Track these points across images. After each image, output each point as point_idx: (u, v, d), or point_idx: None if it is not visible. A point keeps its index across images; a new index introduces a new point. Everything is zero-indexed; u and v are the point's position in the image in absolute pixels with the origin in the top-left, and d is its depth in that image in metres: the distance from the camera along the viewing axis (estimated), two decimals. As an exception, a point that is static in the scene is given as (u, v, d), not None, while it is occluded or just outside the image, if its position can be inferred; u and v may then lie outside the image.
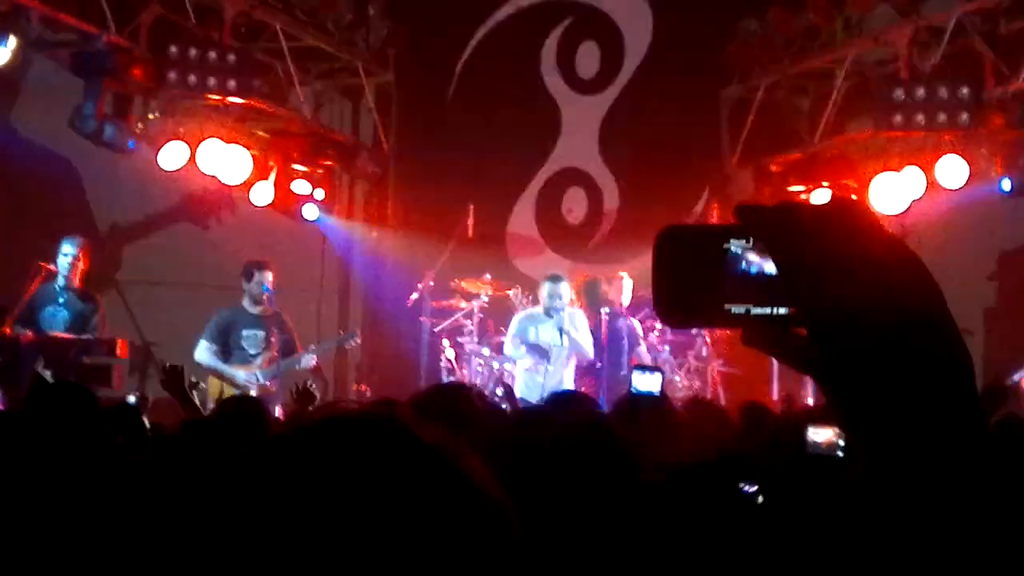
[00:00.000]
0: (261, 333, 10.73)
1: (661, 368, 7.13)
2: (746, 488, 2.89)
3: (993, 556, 0.95)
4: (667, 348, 11.95)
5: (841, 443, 3.96)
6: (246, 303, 10.82)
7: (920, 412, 0.97)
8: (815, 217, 1.04)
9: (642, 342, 11.62)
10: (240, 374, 10.51)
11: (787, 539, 2.56)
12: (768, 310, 1.12)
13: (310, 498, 1.14)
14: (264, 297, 10.77)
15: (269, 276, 10.78)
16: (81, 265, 10.36)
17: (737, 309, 1.13)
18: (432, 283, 12.06)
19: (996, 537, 0.96)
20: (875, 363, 0.98)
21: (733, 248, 1.13)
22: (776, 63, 12.92)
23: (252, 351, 10.69)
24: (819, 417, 4.07)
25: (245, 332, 10.71)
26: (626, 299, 11.62)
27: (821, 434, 4.01)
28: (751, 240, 1.12)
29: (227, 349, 10.68)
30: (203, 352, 10.65)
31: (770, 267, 1.11)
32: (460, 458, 1.21)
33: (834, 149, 12.13)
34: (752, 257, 1.13)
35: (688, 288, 1.15)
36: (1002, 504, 0.96)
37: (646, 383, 6.08)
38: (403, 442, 1.19)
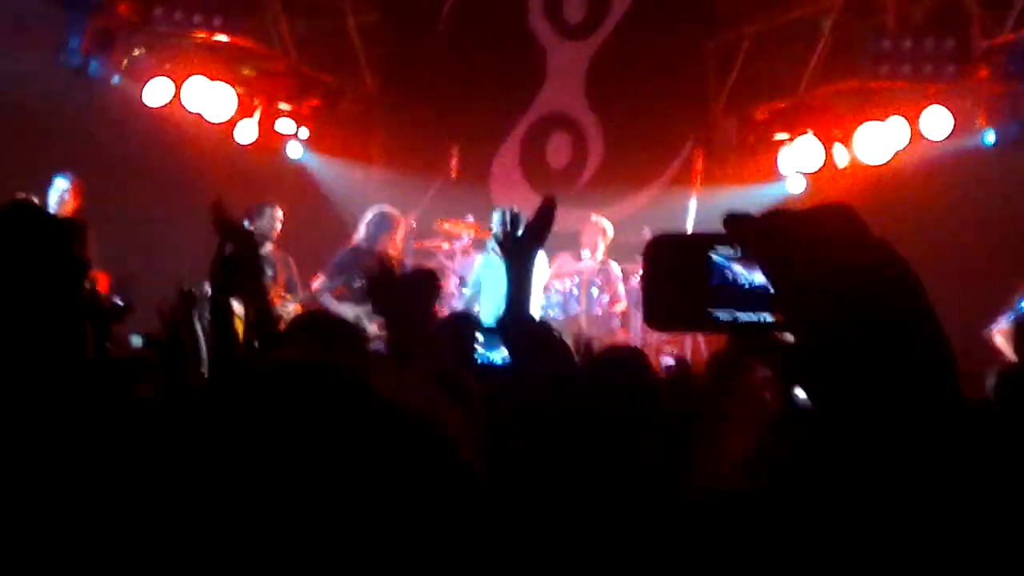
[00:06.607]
0: (269, 272, 10.72)
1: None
2: None
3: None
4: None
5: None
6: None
7: (903, 415, 0.98)
8: (801, 225, 1.04)
9: (619, 285, 11.57)
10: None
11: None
12: (755, 317, 1.16)
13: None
14: (273, 235, 10.76)
15: (279, 213, 10.79)
16: (72, 202, 10.27)
17: (724, 315, 1.17)
18: (414, 224, 12.01)
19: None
20: (860, 369, 1.00)
21: (720, 256, 1.16)
22: (763, 12, 12.90)
23: None
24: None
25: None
26: (601, 244, 11.61)
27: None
28: (738, 249, 1.16)
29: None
30: None
31: (757, 276, 1.14)
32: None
33: (820, 98, 12.13)
34: (738, 265, 1.15)
35: (674, 294, 1.18)
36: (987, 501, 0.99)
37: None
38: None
